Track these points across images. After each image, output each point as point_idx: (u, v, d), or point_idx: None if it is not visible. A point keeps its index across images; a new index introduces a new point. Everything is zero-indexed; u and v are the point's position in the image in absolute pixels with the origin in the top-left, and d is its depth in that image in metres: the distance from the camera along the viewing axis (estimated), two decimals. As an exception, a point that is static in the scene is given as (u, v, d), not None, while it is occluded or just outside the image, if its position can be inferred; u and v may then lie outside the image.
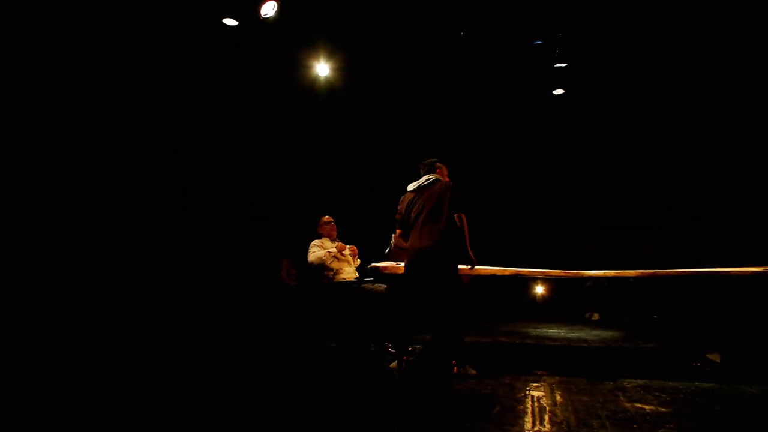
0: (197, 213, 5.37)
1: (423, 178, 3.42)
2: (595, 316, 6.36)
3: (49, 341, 3.75)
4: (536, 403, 2.60)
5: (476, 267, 3.33)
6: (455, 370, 3.22)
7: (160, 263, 4.95)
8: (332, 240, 4.51)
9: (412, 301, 3.39)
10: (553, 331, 5.30)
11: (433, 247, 3.22)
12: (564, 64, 5.54)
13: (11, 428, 2.27)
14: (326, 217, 4.61)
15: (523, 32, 5.34)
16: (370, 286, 4.14)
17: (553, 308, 6.80)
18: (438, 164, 3.49)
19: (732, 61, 5.47)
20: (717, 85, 5.82)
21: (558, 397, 2.72)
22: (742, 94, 5.74)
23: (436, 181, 3.36)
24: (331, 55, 5.48)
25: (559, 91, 6.27)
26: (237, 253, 5.68)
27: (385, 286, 4.01)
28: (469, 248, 3.23)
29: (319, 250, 4.32)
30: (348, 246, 4.43)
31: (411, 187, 3.47)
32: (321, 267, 4.27)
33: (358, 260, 4.52)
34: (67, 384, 2.98)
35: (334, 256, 4.30)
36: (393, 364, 3.43)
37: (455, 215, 3.20)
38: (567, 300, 6.73)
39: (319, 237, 4.52)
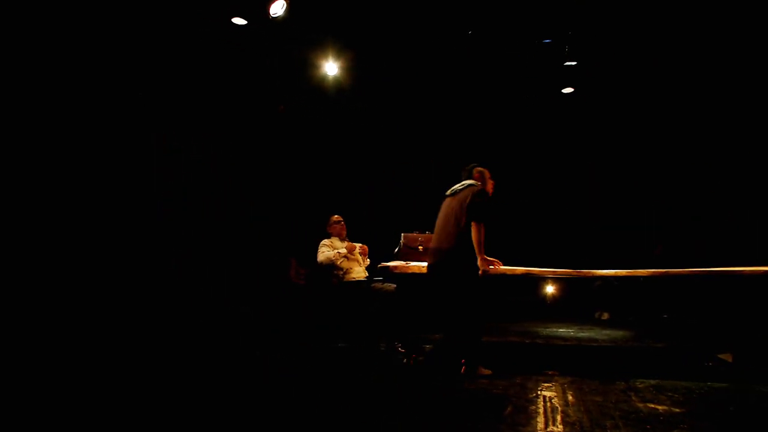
0: (197, 213, 5.43)
1: (459, 184, 3.53)
2: (605, 316, 6.43)
3: (49, 341, 3.82)
4: (548, 404, 2.65)
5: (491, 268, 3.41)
6: (462, 370, 3.29)
7: (160, 263, 5.01)
8: (342, 239, 4.57)
9: (430, 300, 3.47)
10: (563, 331, 5.37)
11: (447, 249, 3.33)
12: (574, 63, 5.59)
13: (11, 428, 2.31)
14: (336, 217, 4.67)
15: (529, 31, 5.40)
16: (379, 285, 4.21)
17: (562, 308, 6.88)
18: (478, 169, 3.58)
19: (732, 61, 5.55)
20: (717, 86, 5.90)
21: (570, 398, 2.77)
22: (742, 95, 5.81)
23: (468, 186, 3.46)
24: (338, 54, 5.54)
25: (568, 90, 6.32)
26: (237, 253, 5.75)
27: (394, 285, 4.07)
28: (478, 256, 3.28)
29: (328, 250, 4.38)
30: (359, 245, 4.50)
31: (448, 192, 3.60)
32: (330, 266, 4.34)
33: (368, 260, 4.58)
34: (68, 384, 3.02)
35: (344, 256, 4.36)
36: (405, 360, 3.50)
37: (471, 222, 3.27)
38: (576, 299, 6.81)
39: (328, 236, 4.58)
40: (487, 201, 3.36)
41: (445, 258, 3.35)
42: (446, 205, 3.53)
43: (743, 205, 5.92)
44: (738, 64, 5.57)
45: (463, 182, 3.52)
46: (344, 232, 4.61)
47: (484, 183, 3.53)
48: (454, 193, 3.51)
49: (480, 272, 3.32)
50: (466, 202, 3.33)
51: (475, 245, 3.23)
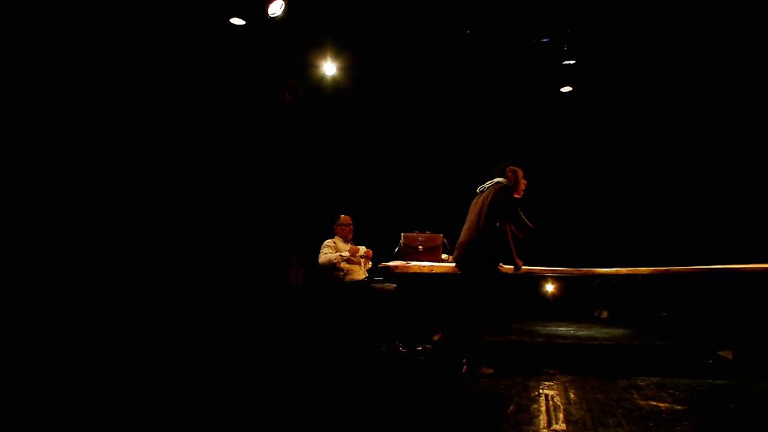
0: (197, 213, 5.41)
1: (488, 182, 3.56)
2: (604, 314, 6.43)
3: (49, 341, 3.78)
4: (551, 402, 2.65)
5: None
6: (464, 370, 3.28)
7: (160, 263, 4.99)
8: (346, 241, 4.51)
9: (446, 297, 3.48)
10: (562, 330, 5.36)
11: (468, 244, 3.37)
12: (573, 62, 5.56)
13: (11, 428, 2.29)
14: (346, 218, 4.56)
15: (527, 30, 5.37)
16: (379, 285, 4.19)
17: (561, 306, 6.86)
18: (511, 167, 3.60)
19: (732, 61, 5.52)
20: (717, 85, 5.86)
21: (572, 396, 2.77)
22: (743, 94, 5.78)
23: (495, 183, 3.49)
24: (337, 54, 5.50)
25: (567, 89, 6.28)
26: (237, 253, 5.72)
27: (394, 285, 4.06)
28: (514, 254, 3.39)
29: (331, 252, 4.32)
30: (363, 248, 4.44)
31: (478, 189, 3.64)
32: (331, 267, 4.31)
33: (370, 263, 4.53)
34: (68, 384, 3.00)
35: (346, 260, 4.30)
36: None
37: (496, 223, 3.33)
38: (575, 298, 6.79)
39: (331, 235, 4.51)
40: (509, 199, 3.39)
41: (465, 253, 3.40)
42: (474, 203, 3.57)
43: (743, 204, 5.89)
44: (737, 64, 5.54)
45: (491, 181, 3.54)
46: (351, 235, 4.53)
47: (516, 182, 3.55)
48: (482, 191, 3.55)
49: (513, 270, 3.44)
50: (488, 200, 3.36)
51: (510, 246, 3.35)
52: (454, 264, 3.57)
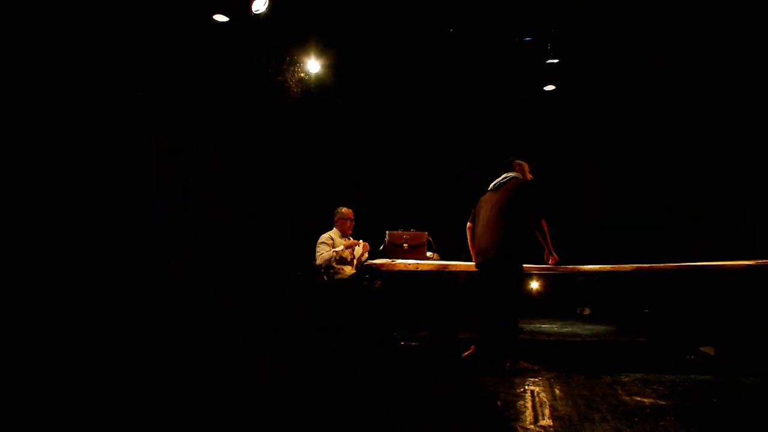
0: (197, 213, 5.26)
1: (501, 177, 3.34)
2: (587, 311, 6.30)
3: (49, 341, 3.64)
4: (537, 398, 2.52)
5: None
6: (465, 353, 3.21)
7: (160, 263, 4.83)
8: (344, 236, 4.21)
9: (481, 300, 3.26)
10: (546, 327, 5.23)
11: (499, 245, 3.13)
12: (556, 60, 5.35)
13: (11, 428, 2.19)
14: (348, 212, 4.21)
15: (518, 28, 5.19)
16: (367, 283, 4.01)
17: (544, 303, 6.70)
18: (517, 161, 3.41)
19: (732, 60, 5.31)
20: (717, 85, 5.65)
21: (557, 392, 2.64)
22: (743, 94, 5.58)
23: (511, 179, 3.28)
24: (324, 52, 5.30)
25: (550, 87, 6.05)
26: (237, 253, 5.57)
27: (379, 282, 3.89)
28: (552, 249, 3.32)
29: (327, 250, 4.03)
30: (362, 243, 4.15)
31: (490, 186, 3.41)
32: (326, 266, 4.06)
33: (366, 254, 4.21)
34: (67, 384, 2.89)
35: (341, 256, 4.01)
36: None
37: (537, 221, 3.19)
38: (557, 295, 6.63)
39: (326, 229, 4.23)
40: (543, 193, 3.22)
41: (494, 255, 3.14)
42: (489, 200, 3.31)
43: (743, 204, 5.68)
44: (737, 62, 5.28)
45: (505, 175, 3.32)
46: (350, 231, 4.24)
47: (523, 176, 3.36)
48: (497, 187, 3.32)
49: (557, 262, 3.34)
50: (517, 196, 3.16)
51: (547, 240, 3.28)
52: (477, 265, 3.26)
